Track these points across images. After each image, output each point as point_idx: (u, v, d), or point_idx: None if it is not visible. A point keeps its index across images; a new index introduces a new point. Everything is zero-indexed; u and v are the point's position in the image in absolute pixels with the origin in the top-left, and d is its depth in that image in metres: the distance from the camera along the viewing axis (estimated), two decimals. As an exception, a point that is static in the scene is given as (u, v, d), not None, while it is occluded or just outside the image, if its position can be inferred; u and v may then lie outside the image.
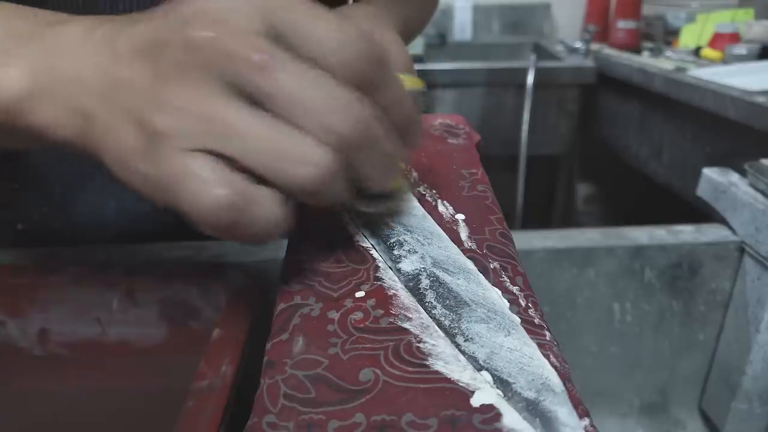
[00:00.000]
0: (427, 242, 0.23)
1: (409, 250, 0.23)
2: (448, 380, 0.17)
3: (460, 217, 0.25)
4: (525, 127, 1.28)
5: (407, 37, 0.50)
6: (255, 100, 0.18)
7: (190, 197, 0.18)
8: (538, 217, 1.66)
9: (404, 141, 0.21)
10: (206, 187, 0.17)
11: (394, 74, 0.20)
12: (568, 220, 1.63)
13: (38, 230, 0.48)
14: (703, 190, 0.44)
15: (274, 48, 0.18)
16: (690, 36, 1.31)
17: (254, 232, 0.19)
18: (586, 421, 0.15)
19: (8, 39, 0.21)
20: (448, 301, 0.20)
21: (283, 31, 0.18)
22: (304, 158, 0.18)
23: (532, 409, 0.16)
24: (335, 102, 0.18)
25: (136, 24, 0.20)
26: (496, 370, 0.17)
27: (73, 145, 0.21)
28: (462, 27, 1.72)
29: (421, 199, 0.27)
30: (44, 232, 0.48)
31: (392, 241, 0.23)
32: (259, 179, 0.18)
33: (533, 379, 0.17)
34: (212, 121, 0.18)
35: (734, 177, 0.42)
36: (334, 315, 0.20)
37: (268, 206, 0.18)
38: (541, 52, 1.57)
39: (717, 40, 1.19)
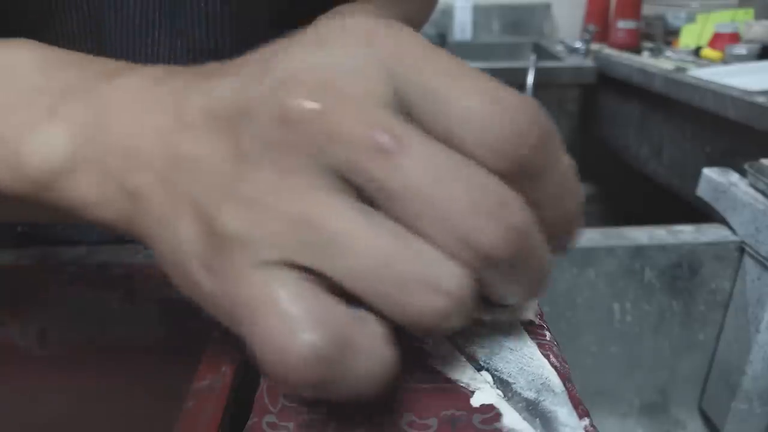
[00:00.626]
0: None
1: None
2: (448, 380, 0.17)
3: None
4: (525, 127, 1.28)
5: None
6: (370, 198, 0.13)
7: (267, 336, 0.12)
8: (538, 217, 1.66)
9: (558, 245, 0.15)
10: (292, 326, 0.12)
11: (561, 155, 0.15)
12: (568, 220, 1.62)
13: (38, 233, 0.49)
14: (703, 190, 0.44)
15: (402, 126, 0.13)
16: (690, 36, 1.31)
17: (352, 387, 0.13)
18: (586, 421, 0.15)
19: (55, 94, 0.16)
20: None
21: (416, 101, 0.14)
22: (433, 284, 0.12)
23: (532, 409, 0.16)
24: (482, 204, 0.13)
25: (214, 80, 0.15)
26: (496, 370, 0.17)
27: (115, 228, 0.16)
28: (462, 27, 1.72)
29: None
30: (44, 234, 0.48)
31: None
32: (363, 307, 0.13)
33: (533, 379, 0.17)
34: (308, 226, 0.13)
35: (734, 177, 0.42)
36: (334, 315, 0.20)
37: (373, 354, 0.13)
38: (541, 52, 1.57)
39: (717, 40, 1.19)
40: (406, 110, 0.14)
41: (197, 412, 0.22)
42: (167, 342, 0.34)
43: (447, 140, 0.13)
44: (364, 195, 0.13)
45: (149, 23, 0.31)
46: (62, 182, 0.16)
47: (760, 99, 0.83)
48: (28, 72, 0.17)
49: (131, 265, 0.33)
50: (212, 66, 0.16)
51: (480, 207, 0.13)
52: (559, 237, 0.15)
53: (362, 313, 0.13)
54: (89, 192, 0.16)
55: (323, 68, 0.13)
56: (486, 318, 0.19)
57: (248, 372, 0.26)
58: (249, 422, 0.17)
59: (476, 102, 0.13)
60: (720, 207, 0.42)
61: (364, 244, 0.12)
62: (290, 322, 0.12)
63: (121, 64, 0.17)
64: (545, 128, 0.14)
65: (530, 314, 0.19)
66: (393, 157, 0.12)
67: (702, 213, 0.46)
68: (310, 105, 0.13)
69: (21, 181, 0.16)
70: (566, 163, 0.15)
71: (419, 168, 0.12)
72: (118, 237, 0.46)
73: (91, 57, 0.18)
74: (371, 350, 0.13)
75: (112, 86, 0.16)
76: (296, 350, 0.12)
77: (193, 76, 0.16)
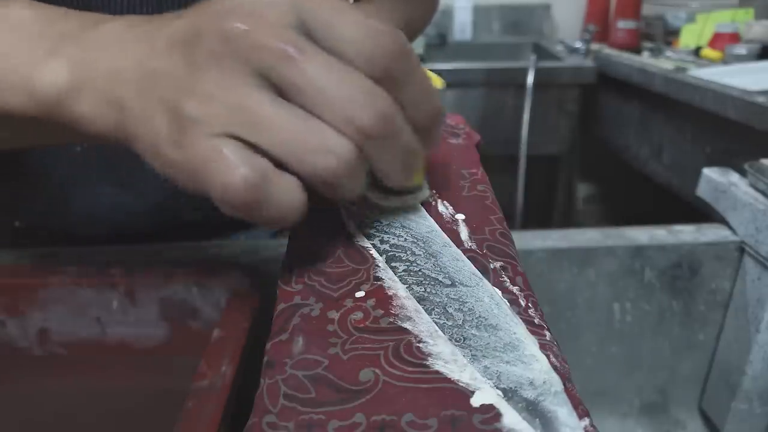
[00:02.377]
0: (424, 245, 0.23)
1: (403, 254, 0.23)
2: (448, 380, 0.17)
3: (460, 217, 0.25)
4: (525, 127, 1.28)
5: (410, 36, 0.51)
6: (283, 90, 0.19)
7: (216, 177, 0.18)
8: (538, 217, 1.66)
9: (425, 138, 0.21)
10: (232, 167, 0.18)
11: (420, 70, 0.20)
12: (568, 220, 1.63)
13: (35, 227, 0.49)
14: (703, 190, 0.44)
15: (303, 41, 0.19)
16: (690, 36, 1.31)
17: (273, 214, 0.19)
18: (586, 421, 0.15)
19: (54, 39, 0.22)
20: (448, 309, 0.20)
21: (313, 26, 0.19)
22: (325, 148, 0.18)
23: (532, 409, 0.16)
24: (358, 95, 0.18)
25: (173, 20, 0.21)
26: (390, 244, 0.17)
27: (108, 137, 0.21)
28: (462, 27, 1.72)
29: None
30: (41, 228, 0.49)
31: (390, 243, 0.23)
32: (282, 167, 0.19)
33: (533, 379, 0.17)
34: (241, 110, 0.18)
35: (734, 177, 0.42)
36: (334, 315, 0.20)
37: (288, 191, 0.19)
38: (541, 52, 1.57)
39: (717, 40, 1.19)
40: (307, 33, 0.19)
41: (197, 412, 0.22)
42: (167, 342, 0.34)
43: (335, 54, 0.19)
44: (281, 90, 0.19)
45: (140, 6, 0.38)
46: (65, 102, 0.21)
47: (760, 99, 0.83)
48: (29, 24, 0.23)
49: (131, 265, 0.33)
50: (173, 13, 0.21)
51: (358, 97, 0.18)
52: (423, 129, 0.21)
53: (283, 170, 0.19)
54: (87, 108, 0.21)
55: (251, 3, 0.19)
56: (383, 204, 0.25)
57: (248, 372, 0.26)
58: (249, 422, 0.17)
59: (356, 29, 0.19)
60: (720, 207, 0.42)
61: (280, 122, 0.18)
62: (230, 164, 0.18)
63: (104, 16, 0.23)
64: (404, 48, 0.20)
65: (424, 195, 0.26)
66: (298, 62, 0.18)
67: (702, 213, 0.46)
68: (242, 27, 0.18)
69: (34, 103, 0.22)
70: (421, 74, 0.20)
71: (316, 70, 0.18)
72: (114, 234, 0.47)
73: (78, 11, 0.24)
74: (287, 187, 0.19)
75: (98, 31, 0.22)
76: (235, 181, 0.18)
77: (159, 19, 0.21)
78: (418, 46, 1.48)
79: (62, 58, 0.21)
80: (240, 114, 0.18)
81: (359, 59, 0.19)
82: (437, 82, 0.25)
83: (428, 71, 0.23)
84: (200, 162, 0.18)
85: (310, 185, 0.20)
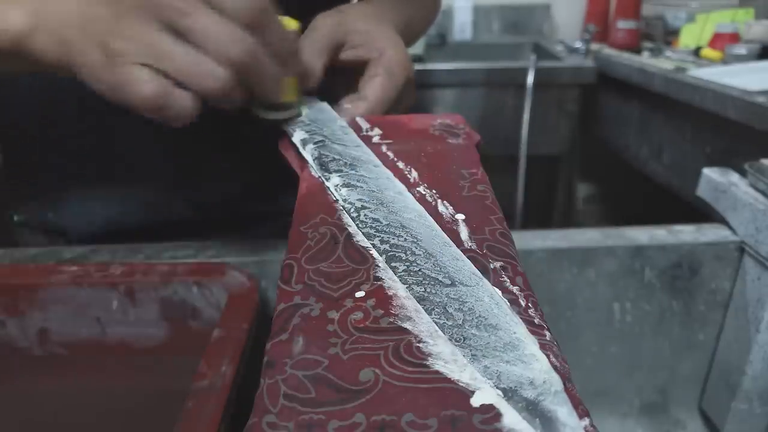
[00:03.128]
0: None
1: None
2: (448, 380, 0.17)
3: (460, 217, 0.25)
4: (525, 127, 1.28)
5: (411, 37, 0.51)
6: (180, 34, 0.26)
7: (135, 90, 0.26)
8: (538, 217, 1.66)
9: (286, 66, 0.30)
10: (144, 83, 0.26)
11: (276, 19, 0.29)
12: (568, 220, 1.63)
13: (33, 222, 0.49)
14: (703, 190, 0.44)
15: (195, 2, 0.26)
16: (690, 36, 1.31)
17: (173, 115, 0.27)
18: (586, 421, 0.15)
19: None
20: (448, 309, 0.20)
21: None
22: (208, 73, 0.27)
23: (532, 409, 0.16)
24: (231, 37, 0.27)
25: None
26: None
27: (58, 66, 0.29)
28: (462, 27, 1.72)
29: (421, 199, 0.27)
30: (38, 223, 0.49)
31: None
32: (182, 86, 0.27)
33: (533, 379, 0.17)
34: (151, 46, 0.26)
35: (734, 177, 0.42)
36: (334, 315, 0.20)
37: (184, 99, 0.27)
38: (541, 52, 1.57)
39: (717, 40, 1.19)
40: None
41: (197, 412, 0.22)
42: (167, 342, 0.34)
43: (218, 10, 0.26)
44: (179, 33, 0.26)
45: None
46: (26, 40, 0.29)
47: (760, 99, 0.83)
48: None
49: (131, 265, 0.33)
50: None
51: (231, 38, 0.26)
52: (283, 59, 0.30)
53: (181, 88, 0.27)
54: (42, 45, 0.29)
55: None
56: (267, 117, 0.34)
57: (248, 372, 0.26)
58: (249, 422, 0.17)
59: None
60: (720, 207, 0.42)
61: (178, 55, 0.26)
62: (143, 82, 0.26)
63: None
64: (265, 6, 0.28)
65: (297, 112, 0.35)
66: (191, 15, 0.26)
67: (702, 213, 0.46)
68: None
69: (2, 42, 0.29)
70: (277, 21, 0.29)
71: (203, 21, 0.26)
72: (106, 228, 0.47)
73: None
74: (182, 97, 0.27)
75: None
76: (146, 92, 0.26)
77: None
78: (418, 46, 1.48)
79: (21, 8, 0.29)
80: (150, 49, 0.26)
81: (233, 14, 0.27)
82: (292, 24, 0.33)
83: (285, 18, 0.31)
84: (124, 81, 0.26)
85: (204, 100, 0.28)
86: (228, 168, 0.50)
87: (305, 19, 0.37)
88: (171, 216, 0.49)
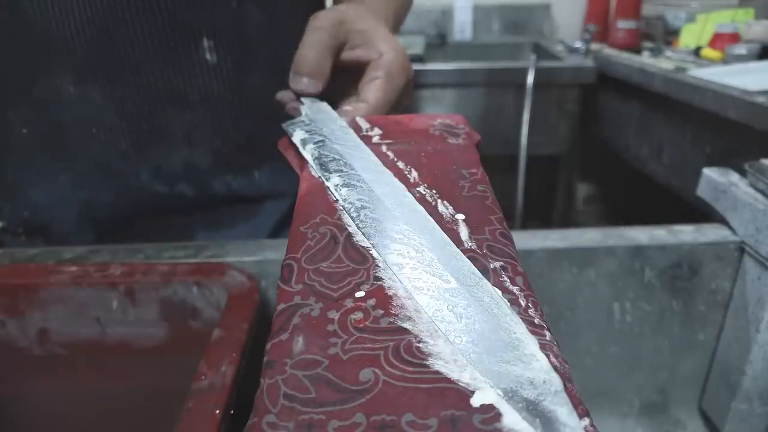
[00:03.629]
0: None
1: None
2: (448, 380, 0.17)
3: (460, 217, 0.25)
4: (525, 127, 1.28)
5: (396, 29, 0.52)
6: None
7: None
8: (538, 217, 1.66)
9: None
10: None
11: None
12: (568, 220, 1.63)
13: (10, 223, 0.50)
14: (703, 190, 0.44)
15: None
16: (690, 36, 1.31)
17: None
18: (586, 421, 0.15)
19: None
20: (449, 308, 0.20)
21: None
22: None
23: (532, 409, 0.16)
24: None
25: None
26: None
27: None
28: (462, 27, 1.72)
29: (421, 199, 0.27)
30: (16, 224, 0.49)
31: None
32: None
33: (533, 379, 0.17)
34: None
35: (734, 177, 0.42)
36: (334, 315, 0.20)
37: None
38: (541, 52, 1.57)
39: (717, 40, 1.19)
40: None
41: (197, 412, 0.22)
42: (167, 342, 0.34)
43: None
44: None
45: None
46: None
47: (760, 99, 0.83)
48: None
49: (131, 265, 0.33)
50: None
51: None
52: None
53: None
54: None
55: None
56: None
57: (248, 372, 0.26)
58: (249, 422, 0.17)
59: None
60: (720, 207, 0.42)
61: None
62: None
63: None
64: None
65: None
66: None
67: (702, 213, 0.46)
68: None
69: None
70: None
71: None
72: (80, 222, 0.48)
73: None
74: None
75: None
76: None
77: None
78: (418, 46, 1.48)
79: None
80: None
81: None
82: None
83: None
84: None
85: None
86: (186, 130, 0.47)
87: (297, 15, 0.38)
88: (142, 193, 0.48)
